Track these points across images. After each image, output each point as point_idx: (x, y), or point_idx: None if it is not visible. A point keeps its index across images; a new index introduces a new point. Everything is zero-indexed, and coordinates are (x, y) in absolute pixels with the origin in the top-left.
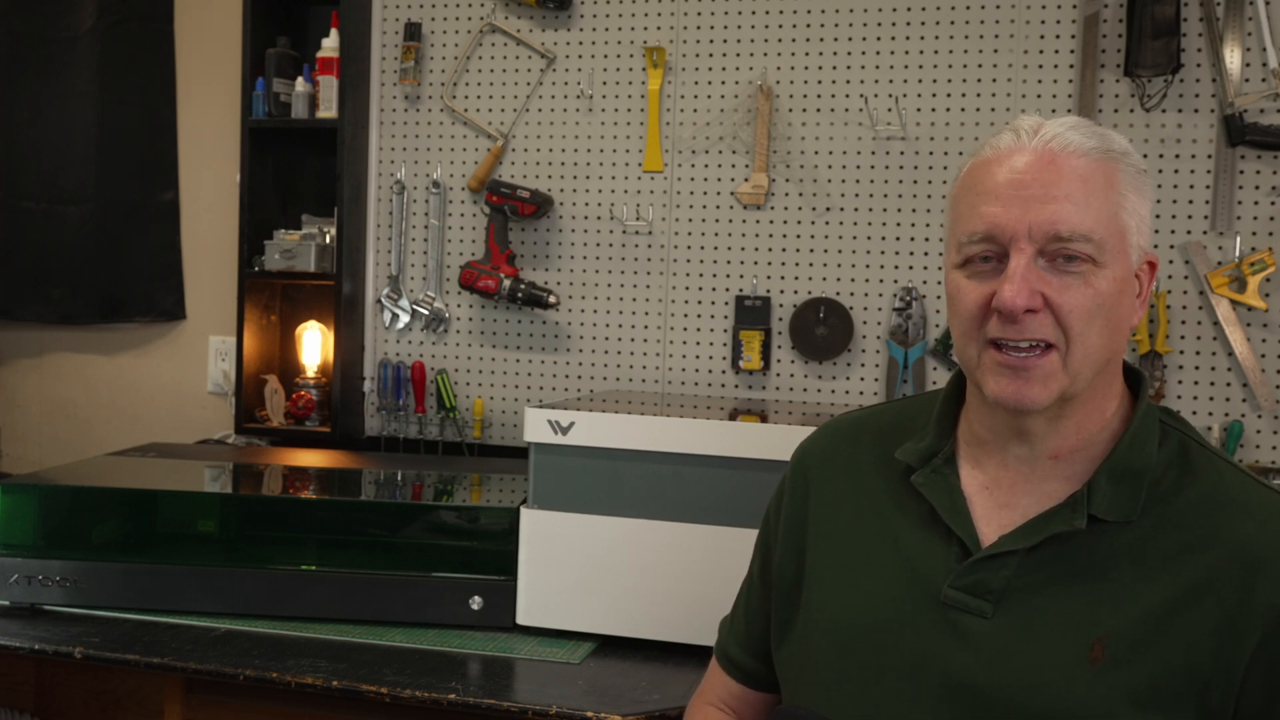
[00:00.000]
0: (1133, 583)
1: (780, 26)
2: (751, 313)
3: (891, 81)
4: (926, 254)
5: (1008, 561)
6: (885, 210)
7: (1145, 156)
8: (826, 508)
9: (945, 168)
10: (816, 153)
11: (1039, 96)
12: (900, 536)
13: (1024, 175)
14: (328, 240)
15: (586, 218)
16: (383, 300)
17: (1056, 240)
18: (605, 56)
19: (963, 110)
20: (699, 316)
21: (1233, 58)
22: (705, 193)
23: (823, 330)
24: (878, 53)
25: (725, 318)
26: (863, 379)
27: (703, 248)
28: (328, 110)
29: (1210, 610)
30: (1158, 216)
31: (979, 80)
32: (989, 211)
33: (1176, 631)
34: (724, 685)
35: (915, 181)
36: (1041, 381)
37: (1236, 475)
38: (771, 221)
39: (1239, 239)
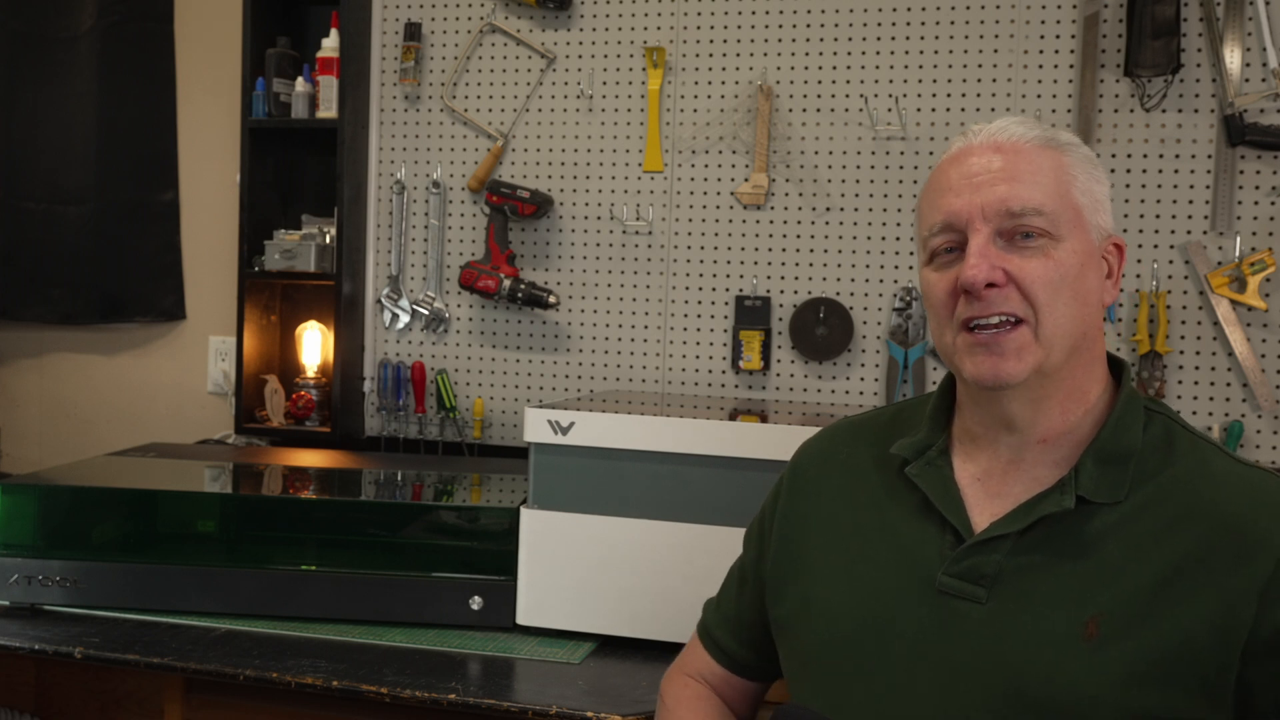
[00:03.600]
0: (1123, 560)
1: (780, 26)
2: (751, 313)
3: (891, 81)
4: None
5: (1000, 545)
6: (885, 210)
7: (1145, 156)
8: (824, 504)
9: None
10: (816, 153)
11: (1039, 96)
12: (895, 528)
13: (974, 166)
14: (328, 240)
15: (586, 218)
16: (383, 300)
17: (1009, 216)
18: (605, 56)
19: (963, 110)
20: (699, 316)
21: (1233, 58)
22: (705, 193)
23: (823, 330)
24: (878, 53)
25: (725, 318)
26: (863, 379)
27: (703, 248)
28: (328, 110)
29: (1202, 583)
30: (1157, 217)
31: (979, 80)
32: (944, 203)
33: (1169, 606)
34: (707, 665)
35: (915, 181)
36: (1015, 354)
37: (1219, 455)
38: (771, 221)
39: (1239, 239)
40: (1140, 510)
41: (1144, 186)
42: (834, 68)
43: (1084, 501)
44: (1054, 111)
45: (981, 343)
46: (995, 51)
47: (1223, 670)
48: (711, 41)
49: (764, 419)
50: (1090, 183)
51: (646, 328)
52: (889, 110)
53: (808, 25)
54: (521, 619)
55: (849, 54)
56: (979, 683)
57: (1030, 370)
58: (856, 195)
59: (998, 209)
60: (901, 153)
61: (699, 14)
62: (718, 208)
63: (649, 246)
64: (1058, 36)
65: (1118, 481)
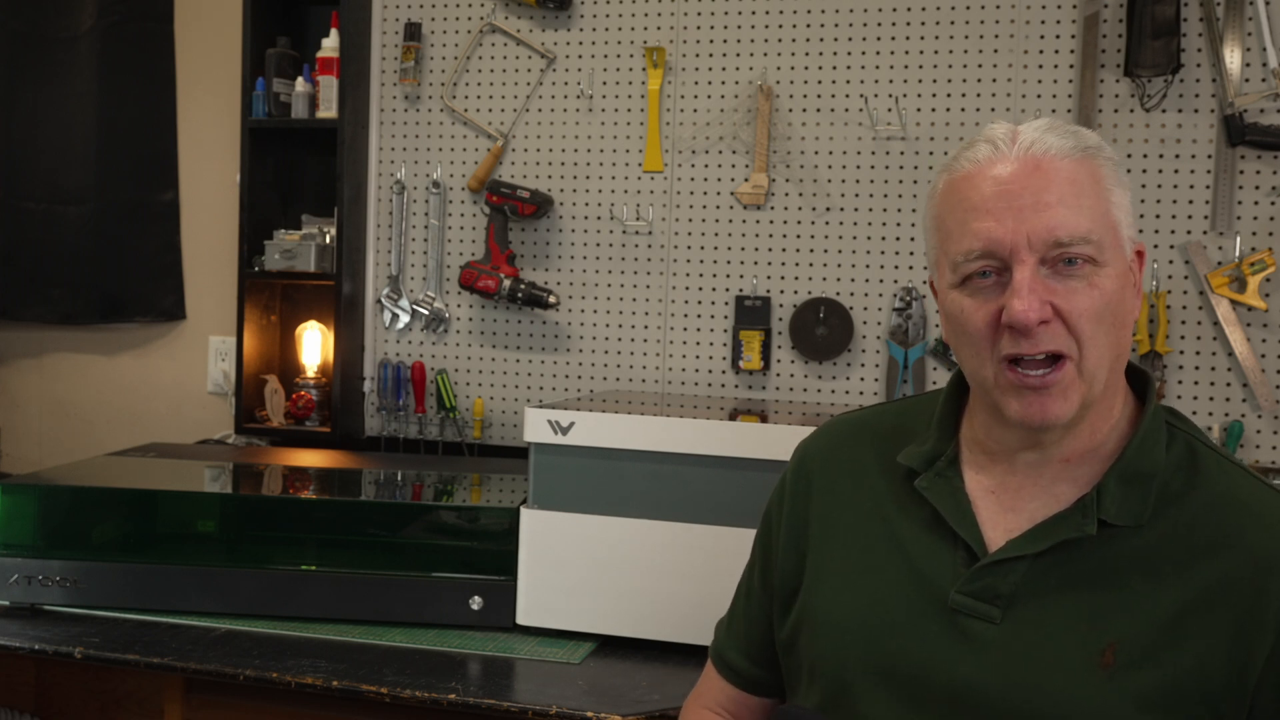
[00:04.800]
0: (1143, 588)
1: (780, 26)
2: (751, 313)
3: (891, 81)
4: (926, 254)
5: (1016, 566)
6: (885, 210)
7: (1145, 156)
8: (829, 509)
9: (928, 183)
10: (816, 153)
11: (1039, 96)
12: (904, 540)
13: (1012, 185)
14: (328, 240)
15: (586, 218)
16: (383, 300)
17: (1057, 246)
18: (605, 56)
19: (963, 110)
20: (699, 316)
21: (1233, 58)
22: (705, 193)
23: (823, 330)
24: (878, 53)
25: (725, 318)
26: (863, 379)
27: (703, 248)
28: (328, 110)
29: (1223, 616)
30: (1157, 217)
31: (979, 80)
32: (983, 227)
33: (1188, 637)
34: (721, 690)
35: (915, 181)
36: (1062, 395)
37: (1245, 478)
38: (771, 221)
39: (1239, 239)
40: (1164, 536)
41: (1144, 186)
42: (834, 68)
43: (1104, 524)
44: (1054, 111)
45: (1028, 385)
46: (995, 51)
47: (1236, 703)
48: (711, 41)
49: (764, 419)
50: (1123, 193)
51: (646, 328)
52: (889, 110)
53: (808, 25)
54: (521, 619)
55: (849, 54)
56: (987, 703)
57: (1076, 408)
58: (856, 195)
59: (1045, 238)
60: (901, 153)
61: (699, 14)
62: (718, 208)
63: (649, 246)
64: (1058, 36)
65: (1140, 503)
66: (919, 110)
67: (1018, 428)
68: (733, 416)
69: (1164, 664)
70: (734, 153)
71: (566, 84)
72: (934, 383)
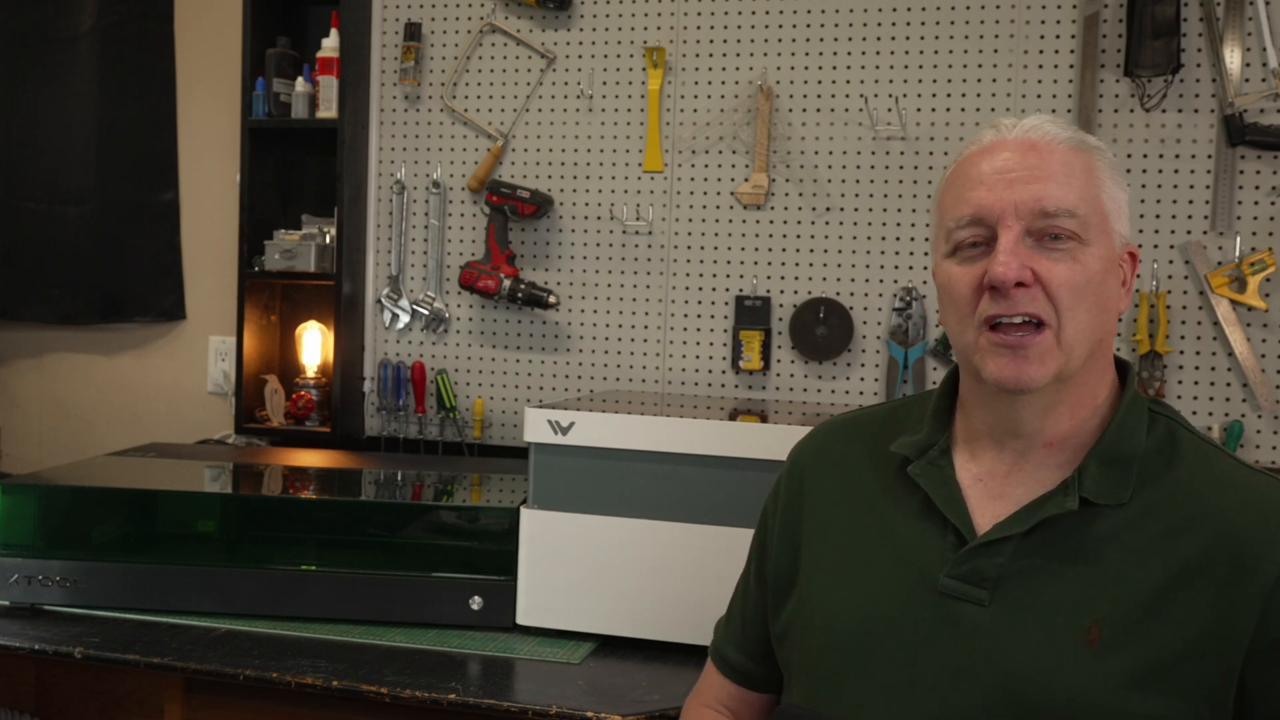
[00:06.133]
0: (1125, 565)
1: (780, 26)
2: (751, 313)
3: (891, 81)
4: (926, 254)
5: (1002, 548)
6: (885, 210)
7: (1145, 156)
8: (821, 506)
9: (945, 168)
10: (816, 153)
11: (1039, 96)
12: (896, 528)
13: (1008, 161)
14: (328, 240)
15: (586, 218)
16: (383, 300)
17: (1043, 216)
18: (605, 56)
19: (963, 110)
20: (699, 316)
21: (1233, 58)
22: (705, 193)
23: (823, 330)
24: (878, 53)
25: (725, 318)
26: (863, 379)
27: (703, 248)
28: (328, 110)
29: (1204, 591)
30: (1157, 217)
31: (979, 80)
32: (975, 196)
33: (1171, 613)
34: (721, 687)
35: (915, 181)
36: (1039, 359)
37: (1223, 458)
38: (771, 221)
39: (1239, 239)
40: (1143, 515)
41: (1144, 186)
42: (834, 68)
43: (1087, 504)
44: (1054, 111)
45: (1008, 345)
46: (995, 51)
47: (1225, 678)
48: (711, 41)
49: (764, 419)
50: (1116, 189)
51: (646, 328)
52: (889, 110)
53: (808, 25)
54: (521, 619)
55: (849, 54)
56: (978, 685)
57: (1051, 375)
58: (856, 195)
59: (1031, 207)
60: (901, 153)
61: (699, 14)
62: (718, 208)
63: (649, 246)
64: (1058, 36)
65: (1121, 484)
66: (919, 110)
67: (994, 391)
68: (733, 416)
69: (1148, 641)
70: (734, 153)
71: (566, 84)
72: (933, 383)
